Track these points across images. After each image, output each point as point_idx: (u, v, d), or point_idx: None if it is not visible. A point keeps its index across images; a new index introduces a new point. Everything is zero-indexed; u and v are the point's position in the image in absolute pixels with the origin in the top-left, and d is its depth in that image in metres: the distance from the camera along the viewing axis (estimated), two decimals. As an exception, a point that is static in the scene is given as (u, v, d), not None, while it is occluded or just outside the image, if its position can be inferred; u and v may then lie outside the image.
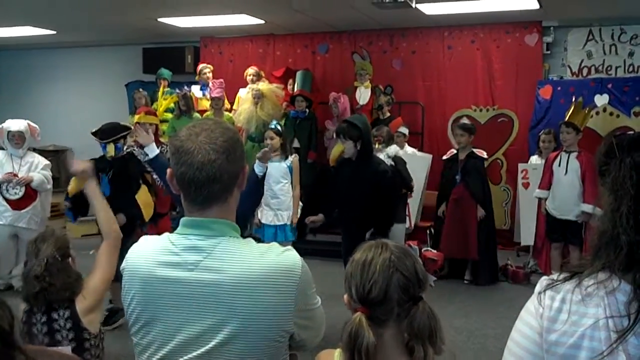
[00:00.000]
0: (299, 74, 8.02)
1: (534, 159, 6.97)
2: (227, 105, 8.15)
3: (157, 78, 8.53)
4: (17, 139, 5.72)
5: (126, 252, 1.63)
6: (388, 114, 7.74)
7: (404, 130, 7.23)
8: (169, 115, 7.92)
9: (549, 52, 7.87)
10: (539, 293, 1.22)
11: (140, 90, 8.03)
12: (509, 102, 7.97)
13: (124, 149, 4.74)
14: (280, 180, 5.42)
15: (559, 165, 5.90)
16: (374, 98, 7.94)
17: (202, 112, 7.95)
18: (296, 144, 7.57)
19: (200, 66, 8.50)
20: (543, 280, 1.25)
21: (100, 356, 2.55)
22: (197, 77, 8.44)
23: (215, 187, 1.50)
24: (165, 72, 8.51)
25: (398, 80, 8.39)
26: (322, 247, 6.67)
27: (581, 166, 5.74)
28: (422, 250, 6.58)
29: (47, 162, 5.97)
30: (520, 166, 7.08)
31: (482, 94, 8.10)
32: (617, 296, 1.12)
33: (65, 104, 10.28)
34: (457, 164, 6.46)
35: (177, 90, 8.02)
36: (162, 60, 8.91)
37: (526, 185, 6.91)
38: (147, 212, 4.84)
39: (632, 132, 1.36)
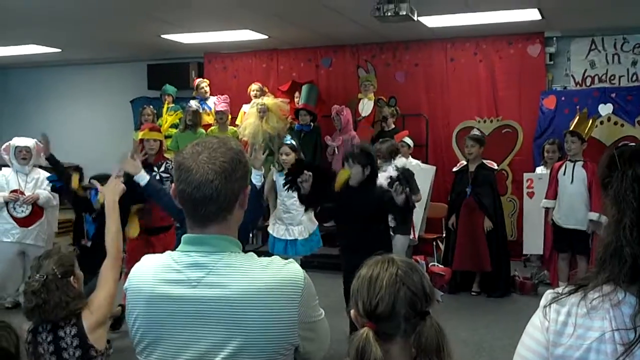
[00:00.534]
0: (304, 88, 8.05)
1: (539, 170, 6.95)
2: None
3: (161, 94, 8.59)
4: (23, 154, 5.76)
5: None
6: (393, 126, 7.76)
7: (408, 141, 7.25)
8: (174, 131, 7.96)
9: (552, 62, 7.88)
10: (545, 307, 1.22)
11: (150, 107, 8.06)
12: (513, 113, 7.98)
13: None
14: (293, 195, 5.39)
15: (564, 174, 5.90)
16: (377, 110, 7.96)
17: (204, 126, 7.98)
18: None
19: (197, 81, 8.57)
20: (548, 294, 1.25)
21: None
22: (194, 92, 8.51)
23: (212, 207, 1.51)
24: (170, 88, 8.57)
25: (401, 93, 8.42)
26: (326, 260, 6.68)
27: (588, 175, 5.73)
28: (429, 265, 6.55)
29: (53, 178, 6.00)
30: (525, 176, 7.07)
31: (485, 105, 8.11)
32: (623, 309, 1.13)
33: (71, 121, 10.34)
34: (467, 176, 6.45)
35: (185, 105, 8.10)
36: (166, 77, 8.97)
37: (531, 195, 6.89)
38: (133, 232, 4.82)
39: (633, 145, 1.36)
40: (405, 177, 5.59)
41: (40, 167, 5.98)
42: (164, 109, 7.99)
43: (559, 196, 5.94)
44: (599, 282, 1.17)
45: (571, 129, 6.01)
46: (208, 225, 1.53)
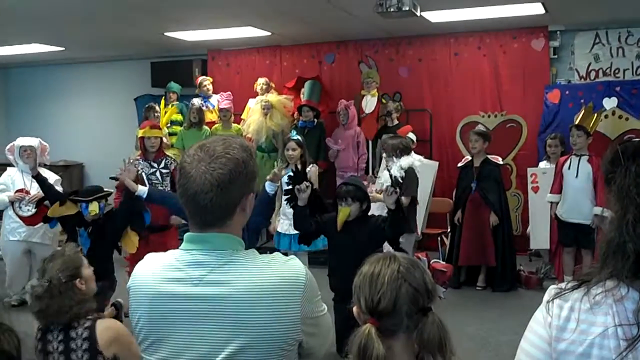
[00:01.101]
0: (307, 84, 8.03)
1: (543, 164, 6.93)
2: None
3: (166, 92, 8.59)
4: (28, 152, 5.79)
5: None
6: (397, 122, 7.74)
7: (412, 136, 7.23)
8: (178, 128, 7.96)
9: (556, 56, 7.85)
10: (548, 302, 1.22)
11: (157, 106, 8.01)
12: (517, 107, 7.95)
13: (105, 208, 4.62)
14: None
15: (569, 168, 5.88)
16: (381, 106, 7.95)
17: (207, 124, 7.98)
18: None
19: (200, 79, 8.57)
20: (551, 289, 1.25)
21: None
22: (197, 90, 8.51)
23: (209, 217, 1.52)
24: (174, 85, 8.58)
25: (405, 88, 8.40)
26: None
27: (593, 169, 5.72)
28: (431, 262, 6.55)
29: (57, 177, 6.01)
30: (529, 170, 7.04)
31: (489, 100, 8.08)
32: (626, 304, 1.12)
33: (75, 120, 10.38)
34: (472, 171, 6.44)
35: (189, 103, 8.10)
36: (170, 74, 8.97)
37: (535, 189, 6.87)
38: (130, 248, 4.80)
39: (637, 140, 1.35)
40: (405, 179, 5.60)
41: (45, 165, 6.00)
42: (161, 106, 7.90)
43: (564, 190, 5.92)
44: (602, 278, 1.17)
45: (577, 123, 5.99)
46: (207, 229, 1.54)
